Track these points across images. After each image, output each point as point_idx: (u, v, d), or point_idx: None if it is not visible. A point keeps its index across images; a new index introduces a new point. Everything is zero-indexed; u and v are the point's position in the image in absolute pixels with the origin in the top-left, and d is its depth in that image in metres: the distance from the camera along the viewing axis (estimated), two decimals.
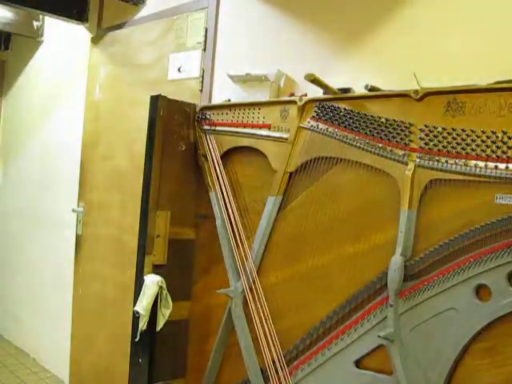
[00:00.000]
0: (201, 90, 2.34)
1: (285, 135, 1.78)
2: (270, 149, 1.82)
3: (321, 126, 1.69)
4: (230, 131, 1.95)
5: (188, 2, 2.48)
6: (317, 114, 1.70)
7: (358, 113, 1.60)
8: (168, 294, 1.94)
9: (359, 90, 1.64)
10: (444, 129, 1.42)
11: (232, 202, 1.92)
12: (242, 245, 1.87)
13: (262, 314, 1.79)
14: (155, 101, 1.96)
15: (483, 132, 1.35)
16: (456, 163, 1.39)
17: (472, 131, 1.37)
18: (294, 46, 2.01)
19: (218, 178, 1.96)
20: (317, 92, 1.73)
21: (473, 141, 1.37)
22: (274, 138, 1.82)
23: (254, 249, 1.83)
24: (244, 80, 2.05)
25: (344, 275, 1.60)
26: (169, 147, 1.99)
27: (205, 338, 2.03)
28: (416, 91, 1.47)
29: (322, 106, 1.69)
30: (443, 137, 1.42)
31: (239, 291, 1.85)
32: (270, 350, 1.75)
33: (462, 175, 1.38)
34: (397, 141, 1.51)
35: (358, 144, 1.59)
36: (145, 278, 1.93)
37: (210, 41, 2.33)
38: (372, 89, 1.57)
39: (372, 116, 1.57)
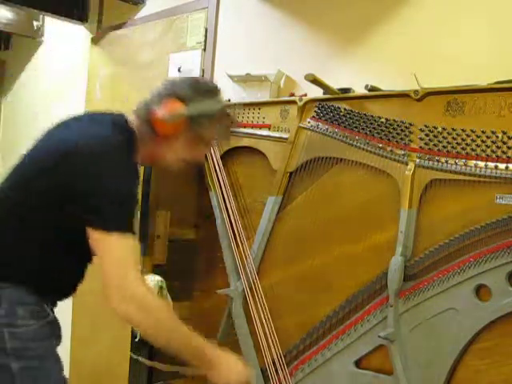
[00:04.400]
0: None
1: (285, 135, 1.78)
2: (270, 149, 1.82)
3: (321, 125, 1.69)
4: (230, 131, 1.95)
5: (188, 2, 2.48)
6: (317, 114, 1.70)
7: (358, 113, 1.60)
8: (168, 294, 1.94)
9: (359, 90, 1.64)
10: (444, 129, 1.42)
11: (232, 202, 1.92)
12: (242, 245, 1.86)
13: (262, 314, 1.79)
14: None
15: (483, 132, 1.35)
16: (456, 163, 1.39)
17: (472, 131, 1.37)
18: (294, 46, 2.00)
19: (218, 178, 1.96)
20: (317, 92, 1.73)
21: (473, 141, 1.37)
22: (274, 138, 1.81)
23: (254, 249, 1.83)
24: (244, 80, 2.05)
25: (344, 275, 1.60)
26: None
27: (205, 338, 2.03)
28: (416, 91, 1.47)
29: (322, 106, 1.69)
30: (443, 137, 1.42)
31: (239, 291, 1.85)
32: (269, 350, 1.75)
33: (461, 175, 1.38)
34: (397, 141, 1.51)
35: (358, 144, 1.59)
36: (145, 278, 1.93)
37: (209, 41, 2.33)
38: (372, 89, 1.57)
39: (372, 116, 1.57)
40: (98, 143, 1.27)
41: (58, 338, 1.38)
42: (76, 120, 1.44)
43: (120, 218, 1.25)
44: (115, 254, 1.23)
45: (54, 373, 1.31)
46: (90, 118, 1.45)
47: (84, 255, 1.37)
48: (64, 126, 1.42)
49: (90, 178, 1.24)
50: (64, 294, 1.40)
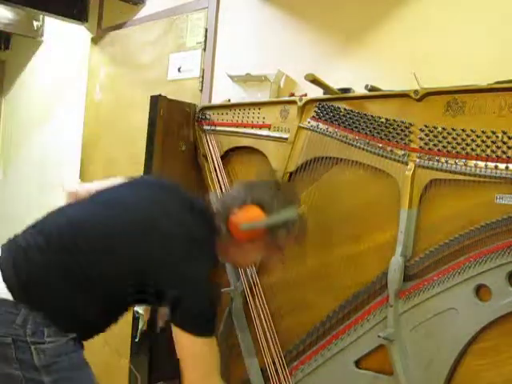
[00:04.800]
0: (201, 90, 2.34)
1: (285, 135, 1.78)
2: (270, 149, 1.82)
3: (321, 126, 1.69)
4: (230, 131, 1.95)
5: (188, 2, 2.48)
6: (317, 114, 1.70)
7: (358, 113, 1.60)
8: None
9: (359, 90, 1.64)
10: (444, 129, 1.42)
11: None
12: None
13: (261, 314, 1.79)
14: (155, 101, 1.96)
15: (483, 132, 1.35)
16: (456, 163, 1.39)
17: (472, 131, 1.37)
18: (294, 46, 2.00)
19: (217, 178, 1.96)
20: (317, 92, 1.73)
21: (473, 141, 1.37)
22: (274, 137, 1.81)
23: None
24: (244, 80, 2.05)
25: (344, 275, 1.60)
26: (169, 147, 1.99)
27: None
28: (416, 91, 1.47)
29: (322, 106, 1.69)
30: (443, 137, 1.42)
31: (239, 291, 1.85)
32: (269, 350, 1.75)
33: (462, 175, 1.38)
34: (397, 141, 1.51)
35: (358, 144, 1.59)
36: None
37: (210, 41, 2.33)
38: (372, 89, 1.57)
39: (372, 116, 1.57)
40: (196, 244, 1.32)
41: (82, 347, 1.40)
42: (172, 199, 1.43)
43: (206, 322, 1.30)
44: (200, 358, 1.29)
45: (85, 381, 1.34)
46: (184, 202, 1.43)
47: (117, 319, 1.42)
48: (159, 197, 1.42)
49: (181, 278, 1.28)
50: (82, 339, 1.41)
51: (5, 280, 1.26)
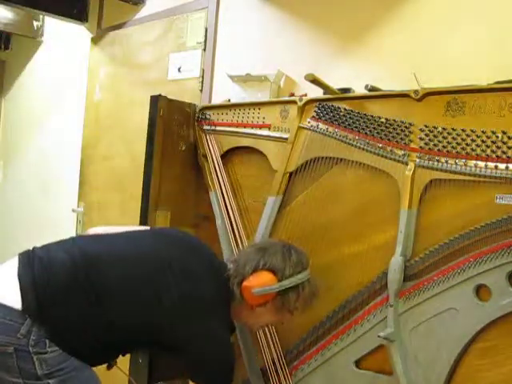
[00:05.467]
0: (201, 90, 2.34)
1: (285, 135, 1.78)
2: (270, 149, 1.82)
3: (321, 126, 1.69)
4: (230, 131, 1.95)
5: (188, 2, 2.48)
6: (317, 114, 1.70)
7: (358, 113, 1.60)
8: None
9: (359, 90, 1.64)
10: (444, 129, 1.42)
11: (232, 202, 1.92)
12: (242, 245, 1.86)
13: None
14: (155, 101, 1.96)
15: (483, 132, 1.35)
16: (456, 163, 1.39)
17: (472, 131, 1.37)
18: (294, 46, 2.00)
19: (217, 178, 1.96)
20: (317, 92, 1.73)
21: (473, 141, 1.37)
22: (274, 137, 1.81)
23: None
24: (244, 80, 2.05)
25: (344, 275, 1.60)
26: (169, 147, 1.99)
27: None
28: (416, 91, 1.47)
29: (322, 106, 1.69)
30: (443, 137, 1.42)
31: None
32: (270, 350, 1.75)
33: (462, 175, 1.38)
34: (397, 141, 1.51)
35: (358, 144, 1.59)
36: None
37: (210, 41, 2.33)
38: (372, 89, 1.57)
39: (372, 116, 1.57)
40: (212, 305, 1.41)
41: None
42: (200, 259, 1.50)
43: (225, 377, 1.42)
44: None
45: (90, 379, 1.39)
46: (211, 265, 1.51)
47: (114, 356, 1.53)
48: (188, 257, 1.48)
49: (197, 335, 1.37)
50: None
51: (21, 290, 1.29)
